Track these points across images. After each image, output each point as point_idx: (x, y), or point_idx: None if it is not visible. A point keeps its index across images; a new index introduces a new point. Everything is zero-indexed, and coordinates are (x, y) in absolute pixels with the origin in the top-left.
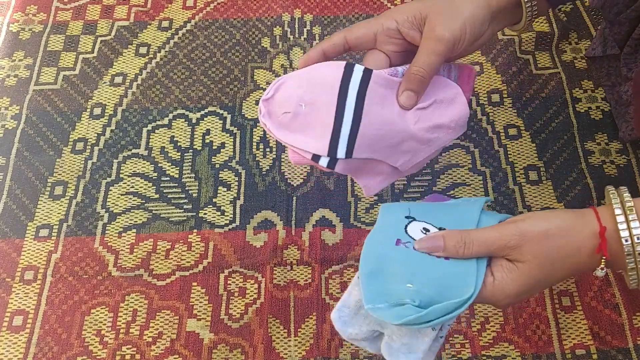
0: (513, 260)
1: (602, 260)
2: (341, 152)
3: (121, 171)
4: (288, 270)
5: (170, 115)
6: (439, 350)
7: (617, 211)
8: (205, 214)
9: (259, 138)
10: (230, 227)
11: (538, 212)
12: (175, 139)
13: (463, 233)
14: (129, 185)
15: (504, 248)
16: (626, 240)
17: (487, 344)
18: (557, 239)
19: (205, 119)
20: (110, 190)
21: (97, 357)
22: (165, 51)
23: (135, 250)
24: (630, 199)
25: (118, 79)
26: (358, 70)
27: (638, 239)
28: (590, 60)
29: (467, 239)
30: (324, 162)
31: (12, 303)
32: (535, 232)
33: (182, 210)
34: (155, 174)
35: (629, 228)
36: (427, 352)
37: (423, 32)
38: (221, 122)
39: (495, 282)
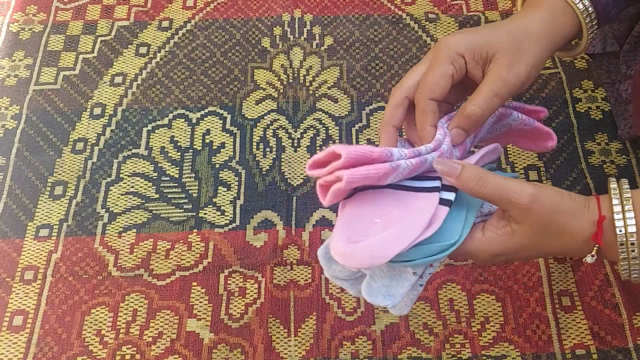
0: (511, 220)
1: (595, 248)
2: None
3: (121, 171)
4: (288, 270)
5: (170, 115)
6: (416, 299)
7: (615, 201)
8: (205, 214)
9: (259, 138)
10: (230, 227)
11: (553, 187)
12: (175, 139)
13: (482, 171)
14: (129, 185)
15: (514, 203)
16: (620, 230)
17: (487, 344)
18: (562, 216)
19: (205, 119)
20: (110, 190)
21: (97, 357)
22: (165, 51)
23: (135, 250)
24: (629, 191)
25: (118, 79)
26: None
27: (631, 229)
28: (590, 58)
29: (484, 177)
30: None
31: (12, 303)
32: (548, 202)
33: (182, 210)
34: (155, 174)
35: (624, 218)
36: (405, 298)
37: (488, 70)
38: (221, 122)
39: (484, 238)
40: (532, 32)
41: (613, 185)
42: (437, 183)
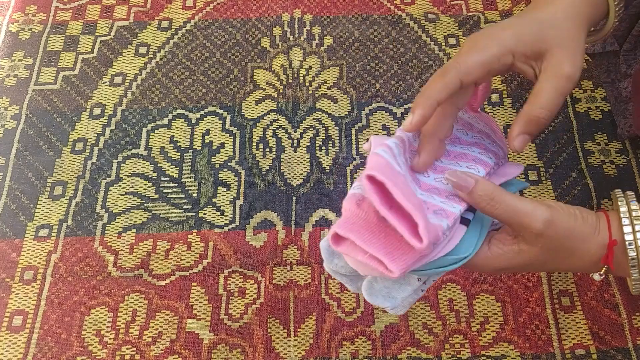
0: (520, 240)
1: (604, 269)
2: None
3: (121, 171)
4: (288, 270)
5: (170, 115)
6: (415, 302)
7: (625, 221)
8: (205, 214)
9: (258, 138)
10: (230, 227)
11: (567, 206)
12: (175, 139)
13: (495, 189)
14: (128, 185)
15: (526, 228)
16: (632, 252)
17: (487, 344)
18: (573, 241)
19: (205, 119)
20: (110, 190)
21: (97, 357)
22: (165, 51)
23: (135, 250)
24: (638, 209)
25: (118, 79)
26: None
27: None
28: (590, 57)
29: (497, 196)
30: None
31: (11, 303)
32: (562, 227)
33: (181, 210)
34: (155, 174)
35: (635, 240)
36: (405, 301)
37: (545, 68)
38: (221, 122)
39: (489, 253)
40: (573, 18)
41: (621, 202)
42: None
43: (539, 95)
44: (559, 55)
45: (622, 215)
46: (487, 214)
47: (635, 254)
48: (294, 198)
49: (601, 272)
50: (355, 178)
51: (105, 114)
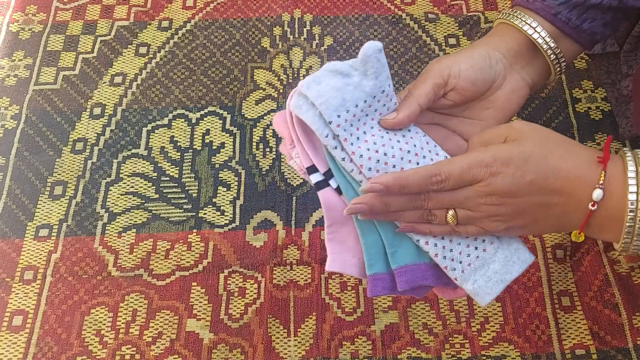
0: (512, 140)
1: (602, 174)
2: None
3: (121, 171)
4: (288, 270)
5: (170, 115)
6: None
7: (629, 157)
8: (205, 214)
9: (258, 138)
10: (230, 227)
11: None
12: (175, 139)
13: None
14: (128, 185)
15: (511, 127)
16: (632, 196)
17: (487, 344)
18: (563, 138)
19: (205, 119)
20: (110, 190)
21: (97, 357)
22: (165, 51)
23: (135, 250)
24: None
25: (118, 79)
26: None
27: None
28: (590, 58)
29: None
30: (315, 177)
31: (11, 303)
32: (545, 129)
33: (182, 210)
34: (155, 174)
35: (638, 183)
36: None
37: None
38: (221, 122)
39: (490, 146)
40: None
41: (627, 153)
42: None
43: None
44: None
45: (626, 157)
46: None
47: (635, 197)
48: (294, 198)
49: (600, 182)
50: None
51: (106, 114)
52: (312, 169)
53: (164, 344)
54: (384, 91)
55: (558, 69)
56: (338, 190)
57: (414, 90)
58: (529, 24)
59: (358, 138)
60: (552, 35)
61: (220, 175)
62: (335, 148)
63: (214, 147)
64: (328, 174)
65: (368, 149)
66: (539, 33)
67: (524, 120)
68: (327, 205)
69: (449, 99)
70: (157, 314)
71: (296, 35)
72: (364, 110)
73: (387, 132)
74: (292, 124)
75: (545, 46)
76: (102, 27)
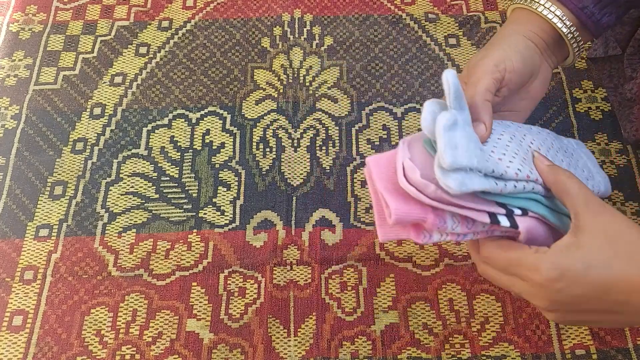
0: (577, 231)
1: None
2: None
3: (121, 171)
4: (288, 270)
5: (170, 115)
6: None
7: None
8: (205, 214)
9: (258, 138)
10: (230, 227)
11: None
12: (175, 139)
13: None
14: (128, 185)
15: (590, 200)
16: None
17: (487, 344)
18: (634, 228)
19: (205, 119)
20: (110, 190)
21: (97, 357)
22: (165, 51)
23: (135, 250)
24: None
25: (118, 79)
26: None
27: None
28: (591, 62)
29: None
30: (504, 220)
31: (11, 303)
32: (620, 215)
33: (182, 210)
34: (155, 174)
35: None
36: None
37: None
38: (221, 122)
39: (548, 252)
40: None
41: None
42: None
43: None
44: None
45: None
46: (558, 183)
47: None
48: (294, 198)
49: None
50: (356, 177)
51: (106, 114)
52: (493, 217)
53: (164, 344)
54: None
55: (578, 56)
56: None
57: (475, 90)
58: (557, 16)
59: (497, 162)
60: (575, 27)
61: (220, 175)
62: (503, 183)
63: (214, 147)
64: (506, 209)
65: (511, 162)
66: (566, 25)
67: (588, 203)
68: (530, 232)
69: (499, 95)
70: (157, 314)
71: (296, 35)
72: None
73: (498, 139)
74: (449, 204)
75: (570, 37)
76: (102, 27)
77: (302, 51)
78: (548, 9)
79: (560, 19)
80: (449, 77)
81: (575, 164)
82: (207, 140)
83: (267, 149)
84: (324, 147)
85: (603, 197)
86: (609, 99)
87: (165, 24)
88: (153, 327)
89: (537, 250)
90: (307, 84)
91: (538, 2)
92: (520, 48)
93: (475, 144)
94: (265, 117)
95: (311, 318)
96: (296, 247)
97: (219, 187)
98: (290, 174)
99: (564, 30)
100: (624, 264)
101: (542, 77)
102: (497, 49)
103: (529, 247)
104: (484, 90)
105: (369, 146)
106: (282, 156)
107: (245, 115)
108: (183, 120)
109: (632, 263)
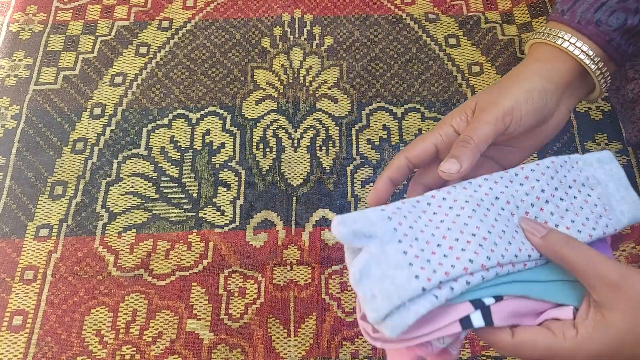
0: (601, 307)
1: None
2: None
3: (121, 171)
4: (288, 270)
5: (170, 115)
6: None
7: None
8: (205, 214)
9: (258, 138)
10: (230, 227)
11: None
12: (175, 139)
13: (571, 237)
14: (128, 185)
15: (601, 278)
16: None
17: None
18: None
19: (205, 119)
20: (110, 190)
21: (97, 357)
22: (165, 51)
23: (135, 250)
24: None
25: (118, 79)
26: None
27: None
28: None
29: (572, 241)
30: (477, 319)
31: (11, 303)
32: None
33: (182, 210)
34: (155, 174)
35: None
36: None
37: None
38: (221, 122)
39: (579, 337)
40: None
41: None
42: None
43: (466, 127)
44: (483, 101)
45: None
46: (561, 259)
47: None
48: (294, 198)
49: None
50: (356, 177)
51: (106, 114)
52: (466, 322)
53: (164, 344)
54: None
55: (605, 90)
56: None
57: (471, 134)
58: (584, 51)
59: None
60: (602, 60)
61: (220, 175)
62: (448, 289)
63: (214, 147)
64: (476, 304)
65: (463, 250)
66: (593, 61)
67: (622, 266)
68: (514, 313)
69: (496, 140)
70: (157, 314)
71: (296, 35)
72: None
73: (457, 215)
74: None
75: (597, 72)
76: (102, 27)
77: (302, 51)
78: (573, 44)
79: (586, 54)
80: (334, 233)
81: (578, 205)
82: (207, 140)
83: (267, 149)
84: (324, 147)
85: (630, 223)
86: (609, 100)
87: (165, 24)
88: (153, 327)
89: (565, 336)
90: (307, 84)
91: (562, 37)
92: (535, 96)
93: (396, 260)
94: (265, 117)
95: (311, 318)
96: (296, 247)
97: (219, 187)
98: (290, 174)
99: (592, 66)
100: None
101: (554, 122)
102: (509, 97)
103: (558, 332)
104: (479, 141)
105: (369, 146)
106: (282, 156)
107: (245, 115)
108: (183, 120)
109: None
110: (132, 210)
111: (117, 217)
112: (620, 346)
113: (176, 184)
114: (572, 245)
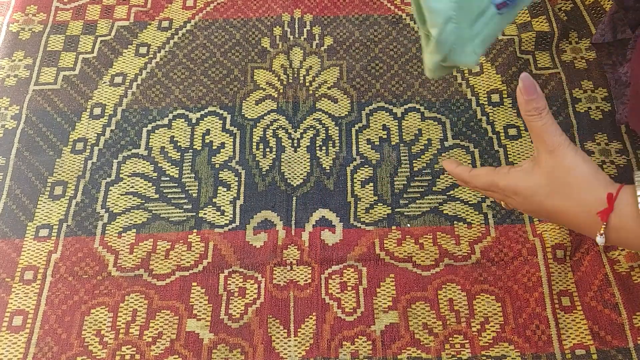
0: (534, 161)
1: (603, 226)
2: None
3: (121, 171)
4: (288, 270)
5: (170, 115)
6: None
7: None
8: (205, 214)
9: (258, 138)
10: (230, 227)
11: (588, 157)
12: (175, 139)
13: (547, 110)
14: (128, 185)
15: (545, 140)
16: None
17: (487, 344)
18: (574, 179)
19: (205, 119)
20: (110, 190)
21: (97, 357)
22: (165, 51)
23: (135, 250)
24: None
25: (118, 79)
26: None
27: None
28: (596, 48)
29: (546, 112)
30: None
31: (11, 303)
32: (571, 157)
33: (182, 210)
34: (155, 174)
35: None
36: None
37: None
38: (221, 122)
39: (509, 173)
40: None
41: (638, 176)
42: None
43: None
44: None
45: (637, 181)
46: (529, 120)
47: None
48: (294, 198)
49: (601, 232)
50: (356, 177)
51: (106, 114)
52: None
53: (164, 344)
54: None
55: None
56: None
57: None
58: None
59: None
60: None
61: (220, 175)
62: None
63: (214, 147)
64: None
65: None
66: None
67: (566, 141)
68: None
69: None
70: (157, 314)
71: (296, 35)
72: None
73: None
74: None
75: None
76: (102, 27)
77: (302, 51)
78: None
79: None
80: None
81: None
82: (207, 140)
83: (267, 149)
84: (324, 147)
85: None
86: (609, 101)
87: (165, 24)
88: (153, 327)
89: (509, 171)
90: (307, 84)
91: None
92: None
93: None
94: (265, 117)
95: (311, 318)
96: (296, 247)
97: (219, 187)
98: (290, 174)
99: None
100: (560, 201)
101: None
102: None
103: (503, 170)
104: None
105: (369, 146)
106: (282, 156)
107: (245, 115)
108: (183, 120)
109: (566, 203)
110: (132, 210)
111: (117, 217)
112: (531, 193)
113: (176, 184)
114: (543, 115)
